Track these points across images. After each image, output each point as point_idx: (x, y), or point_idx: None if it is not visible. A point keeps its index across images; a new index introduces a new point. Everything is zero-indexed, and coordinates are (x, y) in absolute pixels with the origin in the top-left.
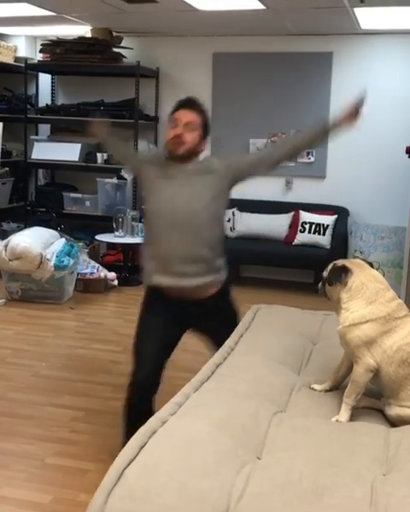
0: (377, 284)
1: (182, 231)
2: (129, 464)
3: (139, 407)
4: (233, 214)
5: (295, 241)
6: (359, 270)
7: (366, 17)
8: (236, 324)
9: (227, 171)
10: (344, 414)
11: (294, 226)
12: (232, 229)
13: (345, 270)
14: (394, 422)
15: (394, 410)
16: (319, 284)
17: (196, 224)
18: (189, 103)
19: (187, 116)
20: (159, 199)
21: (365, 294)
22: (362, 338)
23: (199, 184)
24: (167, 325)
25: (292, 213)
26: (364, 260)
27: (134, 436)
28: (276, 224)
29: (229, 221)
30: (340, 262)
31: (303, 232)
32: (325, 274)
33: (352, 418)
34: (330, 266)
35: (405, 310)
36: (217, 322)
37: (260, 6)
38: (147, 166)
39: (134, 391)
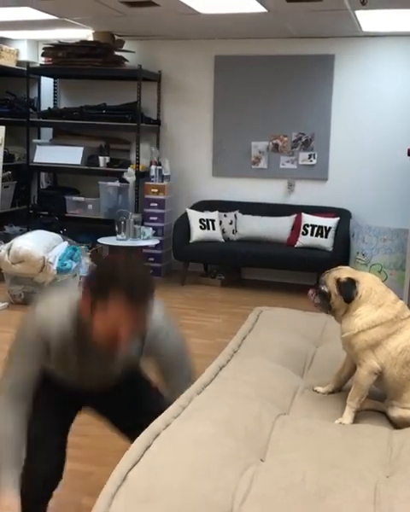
0: (381, 287)
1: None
2: (133, 466)
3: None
4: (235, 217)
5: (298, 244)
6: (360, 277)
7: (368, 20)
8: (147, 396)
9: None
10: (348, 416)
11: (296, 228)
12: (234, 231)
13: (353, 282)
14: (396, 424)
15: (396, 412)
16: (316, 299)
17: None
18: (141, 297)
19: (136, 318)
20: (68, 370)
21: (373, 299)
22: (369, 342)
23: (120, 364)
24: (62, 408)
25: (294, 216)
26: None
27: (138, 438)
28: (278, 227)
29: (231, 224)
30: (340, 277)
31: (305, 234)
32: (325, 289)
33: (355, 420)
34: (329, 283)
35: (407, 310)
36: (121, 400)
37: (262, 9)
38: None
39: (39, 491)
